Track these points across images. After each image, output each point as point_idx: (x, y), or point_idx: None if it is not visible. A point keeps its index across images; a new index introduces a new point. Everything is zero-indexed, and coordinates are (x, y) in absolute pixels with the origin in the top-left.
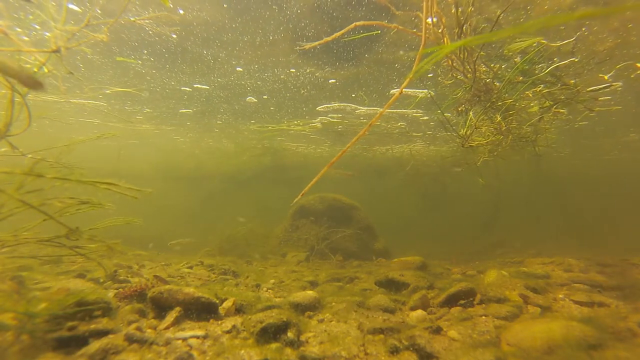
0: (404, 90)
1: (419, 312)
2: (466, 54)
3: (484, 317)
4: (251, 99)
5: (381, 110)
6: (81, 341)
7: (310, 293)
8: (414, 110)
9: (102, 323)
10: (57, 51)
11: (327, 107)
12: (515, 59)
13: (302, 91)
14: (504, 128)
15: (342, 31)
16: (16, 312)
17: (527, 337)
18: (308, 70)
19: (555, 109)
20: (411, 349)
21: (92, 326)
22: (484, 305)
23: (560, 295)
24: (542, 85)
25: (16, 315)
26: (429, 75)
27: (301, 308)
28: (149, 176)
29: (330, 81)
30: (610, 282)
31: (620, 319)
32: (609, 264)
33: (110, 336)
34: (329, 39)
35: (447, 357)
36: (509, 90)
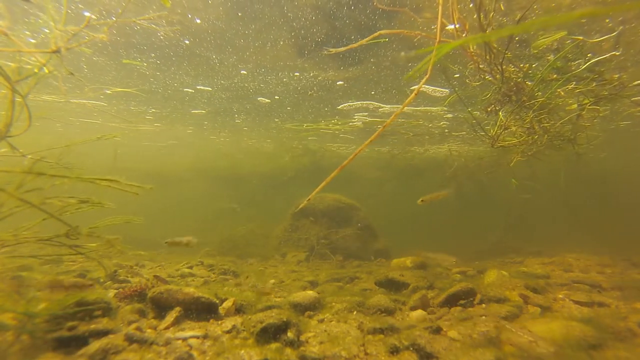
0: (424, 88)
1: (419, 312)
2: (492, 55)
3: (484, 317)
4: (262, 99)
5: (399, 109)
6: (81, 341)
7: (310, 293)
8: (439, 108)
9: (102, 323)
10: (57, 51)
11: (349, 105)
12: (548, 57)
13: (310, 92)
14: (538, 127)
15: (368, 38)
16: (16, 312)
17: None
18: (312, 74)
19: (590, 105)
20: (411, 348)
21: (92, 326)
22: (484, 305)
23: (560, 295)
24: (574, 83)
25: (16, 315)
26: (456, 75)
27: (301, 308)
28: (186, 176)
29: (338, 83)
30: (610, 282)
31: (620, 319)
32: (609, 264)
33: (110, 336)
34: (354, 45)
35: (447, 357)
36: (542, 88)
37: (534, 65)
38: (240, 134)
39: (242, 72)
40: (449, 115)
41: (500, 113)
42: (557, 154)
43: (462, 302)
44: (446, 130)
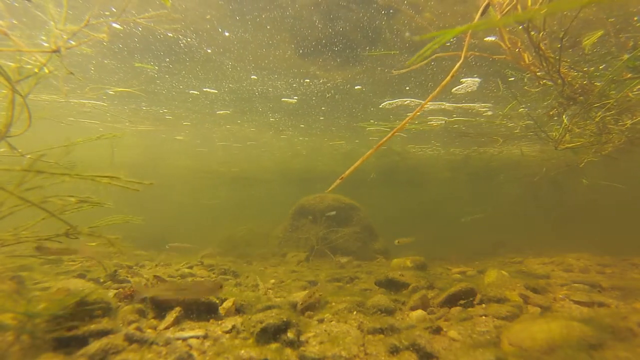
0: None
1: (419, 312)
2: (549, 64)
3: (484, 317)
4: (287, 99)
5: (425, 102)
6: (81, 341)
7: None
8: (479, 104)
9: (102, 323)
10: (56, 51)
11: (390, 103)
12: (621, 57)
13: (327, 95)
14: (612, 126)
15: (424, 62)
16: (16, 312)
17: (527, 337)
18: (321, 81)
19: None
20: (411, 348)
21: (92, 326)
22: (484, 305)
23: (560, 295)
24: None
25: (16, 316)
26: (510, 79)
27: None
28: (267, 178)
29: (356, 87)
30: (610, 282)
31: (620, 319)
32: (609, 264)
33: (110, 336)
34: (415, 66)
35: (447, 357)
36: (615, 87)
37: (600, 68)
38: (310, 134)
39: (252, 76)
40: (489, 113)
41: (563, 116)
42: None
43: (462, 302)
44: (516, 131)
